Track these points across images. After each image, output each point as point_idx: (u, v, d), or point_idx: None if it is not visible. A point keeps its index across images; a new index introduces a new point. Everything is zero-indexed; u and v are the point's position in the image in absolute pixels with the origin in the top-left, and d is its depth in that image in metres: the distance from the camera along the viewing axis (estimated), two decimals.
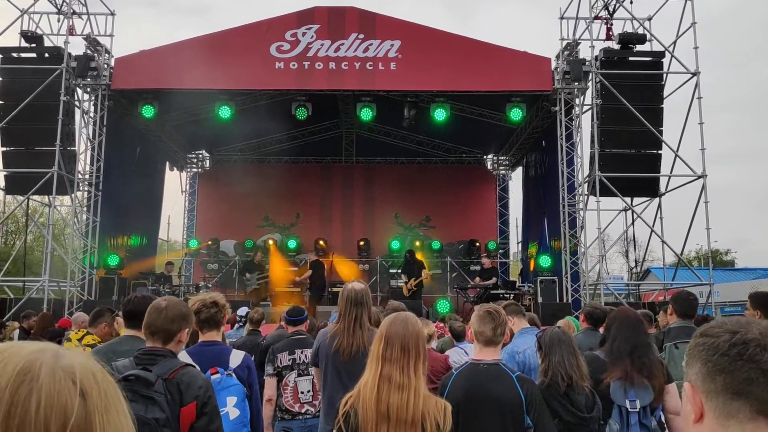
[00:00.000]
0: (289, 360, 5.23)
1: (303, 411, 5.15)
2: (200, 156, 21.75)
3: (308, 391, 5.17)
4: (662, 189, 14.32)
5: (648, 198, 14.67)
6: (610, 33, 14.26)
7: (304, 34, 13.93)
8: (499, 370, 3.27)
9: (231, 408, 3.68)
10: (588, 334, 5.47)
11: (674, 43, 14.14)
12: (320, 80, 14.01)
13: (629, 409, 3.72)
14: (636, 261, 18.01)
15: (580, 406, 3.49)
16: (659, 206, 14.59)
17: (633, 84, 13.55)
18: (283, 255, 19.31)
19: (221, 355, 3.97)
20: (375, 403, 2.57)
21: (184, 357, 3.55)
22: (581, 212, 13.89)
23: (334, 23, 14.04)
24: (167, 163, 19.86)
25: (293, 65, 13.89)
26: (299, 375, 5.19)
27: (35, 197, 14.71)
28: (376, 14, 14.31)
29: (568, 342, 3.64)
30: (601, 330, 5.79)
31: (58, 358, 0.82)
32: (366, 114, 14.89)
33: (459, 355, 6.34)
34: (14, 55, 14.21)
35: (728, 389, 1.08)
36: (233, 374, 3.87)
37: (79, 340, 5.41)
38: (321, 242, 19.27)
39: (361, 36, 13.90)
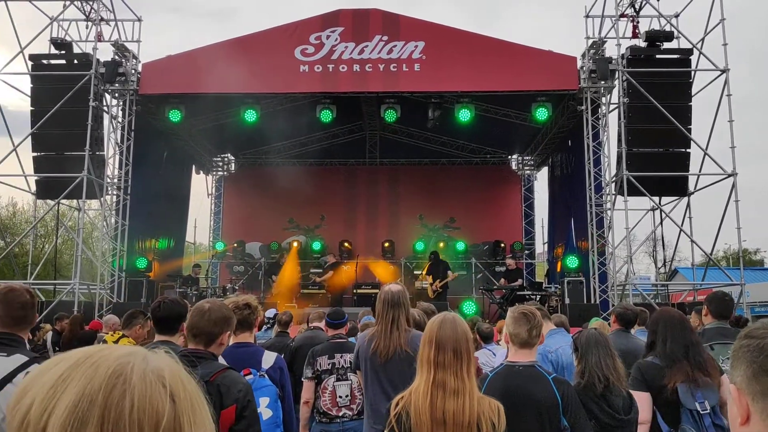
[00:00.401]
0: (328, 364, 5.24)
1: (340, 414, 5.16)
2: (226, 159, 21.94)
3: (346, 396, 5.18)
4: (691, 188, 14.12)
5: (676, 197, 14.47)
6: (637, 31, 14.11)
7: (328, 36, 13.99)
8: (536, 372, 3.24)
9: (264, 408, 3.70)
10: (619, 335, 5.41)
11: (702, 40, 13.95)
12: (345, 82, 14.06)
13: (701, 411, 3.62)
14: (664, 261, 17.74)
15: (617, 407, 3.45)
16: (688, 205, 14.40)
17: (660, 82, 13.39)
18: (307, 257, 19.39)
19: (254, 356, 4.00)
20: (429, 410, 2.56)
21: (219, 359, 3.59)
22: (608, 212, 13.75)
23: (358, 25, 14.08)
24: (193, 167, 20.06)
25: (318, 68, 13.95)
26: (338, 380, 5.20)
27: (65, 201, 14.95)
28: (399, 16, 14.32)
29: (605, 343, 3.60)
30: (633, 331, 5.74)
31: (147, 362, 0.84)
32: (390, 115, 14.90)
33: (487, 357, 6.31)
34: (44, 62, 14.48)
35: None
36: (266, 375, 3.90)
37: (115, 342, 5.48)
38: (346, 244, 19.32)
39: (385, 38, 13.93)
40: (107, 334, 6.49)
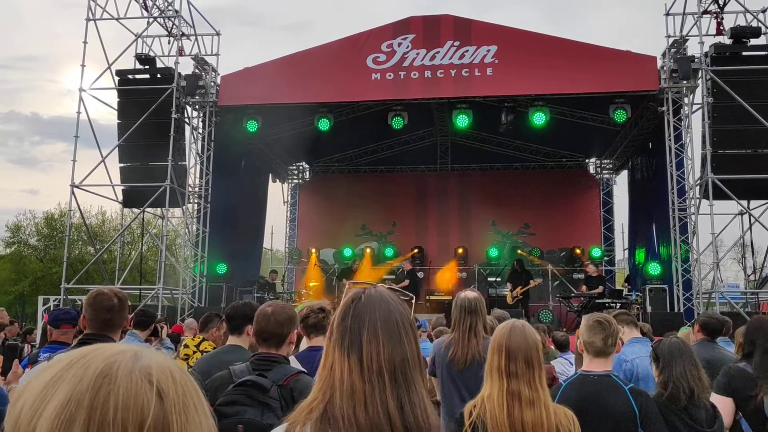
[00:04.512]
0: None
1: None
2: (300, 167, 22.39)
3: None
4: None
5: (766, 201, 13.72)
6: (721, 27, 13.48)
7: (399, 44, 14.07)
8: (611, 382, 3.13)
9: None
10: (703, 345, 5.15)
11: None
12: (416, 89, 14.09)
13: None
14: (753, 268, 16.82)
15: (701, 420, 3.28)
16: None
17: (747, 80, 12.75)
18: (381, 263, 19.51)
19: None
20: (508, 421, 2.53)
21: (293, 362, 3.65)
22: (692, 217, 13.18)
23: (429, 32, 14.10)
24: (270, 175, 20.55)
25: (389, 75, 14.05)
26: None
27: (150, 210, 15.62)
28: (471, 20, 14.24)
29: (689, 353, 3.43)
30: (718, 341, 5.45)
31: (136, 360, 0.83)
32: (462, 121, 14.82)
33: (563, 366, 6.17)
34: (129, 76, 15.21)
35: None
36: None
37: (197, 345, 5.67)
38: (416, 250, 19.31)
39: (457, 43, 13.87)
40: (188, 337, 6.72)
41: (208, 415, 0.87)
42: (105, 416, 0.76)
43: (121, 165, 14.99)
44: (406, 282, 16.64)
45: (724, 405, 3.46)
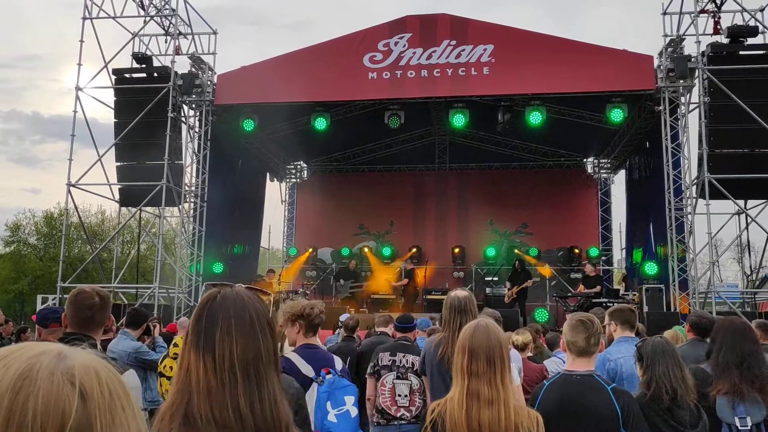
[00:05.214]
0: (389, 360, 5.28)
1: (398, 415, 5.16)
2: (298, 166, 22.39)
3: (405, 396, 5.17)
4: None
5: (763, 200, 13.69)
6: (718, 27, 13.45)
7: (396, 43, 14.05)
8: (594, 382, 3.12)
9: (351, 407, 3.73)
10: (694, 344, 5.14)
11: None
12: (413, 88, 14.08)
13: (739, 428, 3.43)
14: (751, 268, 16.80)
15: (684, 421, 3.26)
16: None
17: (744, 79, 12.72)
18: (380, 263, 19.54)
19: (328, 358, 4.04)
20: (466, 420, 2.51)
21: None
22: (689, 216, 13.16)
23: (425, 31, 14.08)
24: (267, 174, 20.55)
25: (386, 75, 14.03)
26: (398, 377, 5.21)
27: (147, 209, 15.61)
28: (468, 19, 14.22)
29: (672, 353, 3.41)
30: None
31: (59, 360, 0.80)
32: (458, 120, 14.80)
33: (556, 365, 6.15)
34: (126, 75, 15.18)
35: None
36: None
37: None
38: (414, 250, 19.30)
39: (453, 42, 13.85)
40: (179, 336, 6.71)
41: (136, 413, 0.85)
42: (23, 420, 0.74)
43: (118, 164, 14.97)
44: (406, 281, 16.65)
45: None
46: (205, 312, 1.55)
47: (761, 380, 3.51)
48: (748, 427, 3.42)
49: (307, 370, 3.62)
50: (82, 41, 14.82)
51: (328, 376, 3.71)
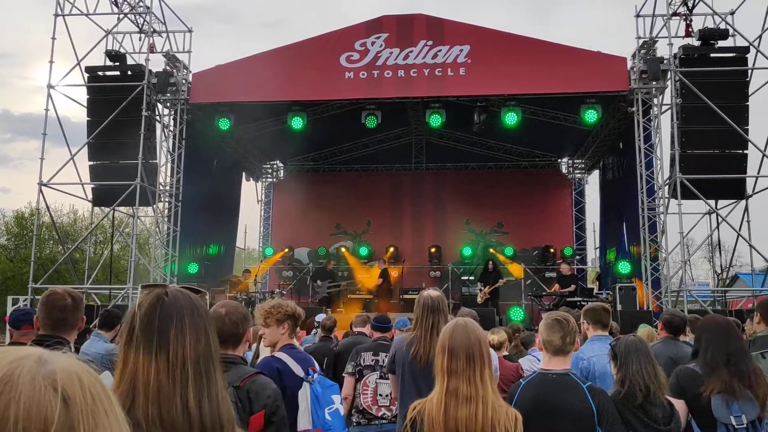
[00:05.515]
0: (372, 360, 5.27)
1: (380, 415, 5.16)
2: (275, 166, 22.27)
3: (386, 396, 5.17)
4: (749, 190, 13.60)
5: (733, 200, 13.95)
6: (690, 29, 13.68)
7: (373, 43, 14.04)
8: (570, 381, 3.15)
9: (339, 405, 3.75)
10: (667, 343, 5.22)
11: (759, 37, 13.43)
12: (389, 88, 14.08)
13: (736, 426, 3.44)
14: (722, 267, 17.11)
15: (657, 418, 3.31)
16: (746, 209, 13.85)
17: (715, 81, 12.93)
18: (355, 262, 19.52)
19: (309, 358, 4.03)
20: (443, 419, 2.53)
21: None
22: (662, 216, 13.35)
23: (402, 31, 14.10)
24: (243, 174, 20.41)
25: (363, 74, 14.02)
26: (381, 377, 5.21)
27: (120, 208, 15.40)
28: (444, 20, 14.26)
29: (645, 350, 3.46)
30: (682, 339, 5.53)
31: (40, 365, 0.79)
32: (435, 120, 14.85)
33: (531, 363, 6.19)
34: (99, 73, 14.95)
35: None
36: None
37: None
38: (392, 249, 19.33)
39: (430, 42, 13.89)
40: None
41: (119, 417, 0.84)
42: (5, 426, 0.73)
43: (91, 163, 14.74)
44: (380, 280, 16.67)
45: (677, 407, 3.50)
46: (158, 312, 1.55)
47: (749, 376, 3.55)
48: (745, 425, 3.46)
49: (298, 370, 3.63)
50: (54, 38, 14.58)
51: (315, 376, 3.72)
